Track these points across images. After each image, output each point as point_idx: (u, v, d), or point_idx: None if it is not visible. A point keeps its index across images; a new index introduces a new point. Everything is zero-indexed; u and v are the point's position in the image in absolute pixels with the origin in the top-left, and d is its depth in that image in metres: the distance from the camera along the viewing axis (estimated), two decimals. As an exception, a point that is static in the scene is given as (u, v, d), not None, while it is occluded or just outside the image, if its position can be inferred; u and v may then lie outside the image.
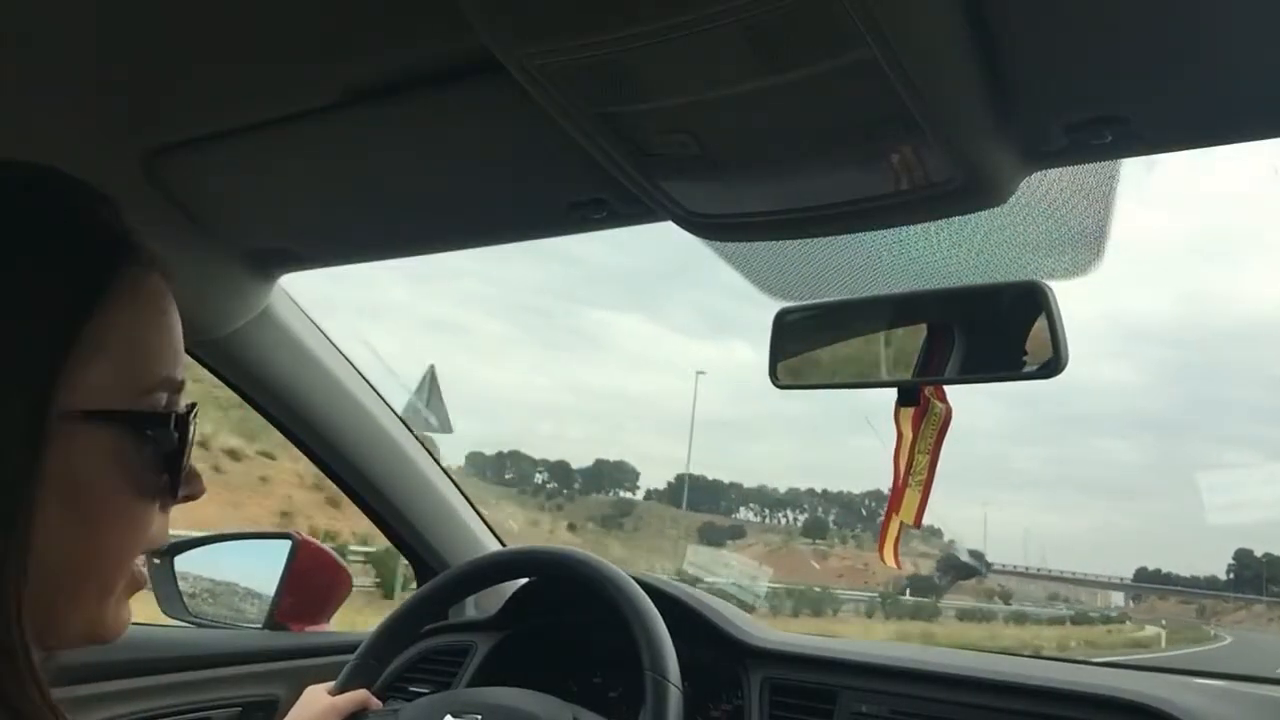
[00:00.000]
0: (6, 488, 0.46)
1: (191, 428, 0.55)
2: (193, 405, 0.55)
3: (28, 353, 0.47)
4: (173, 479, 0.53)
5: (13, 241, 0.49)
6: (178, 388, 0.54)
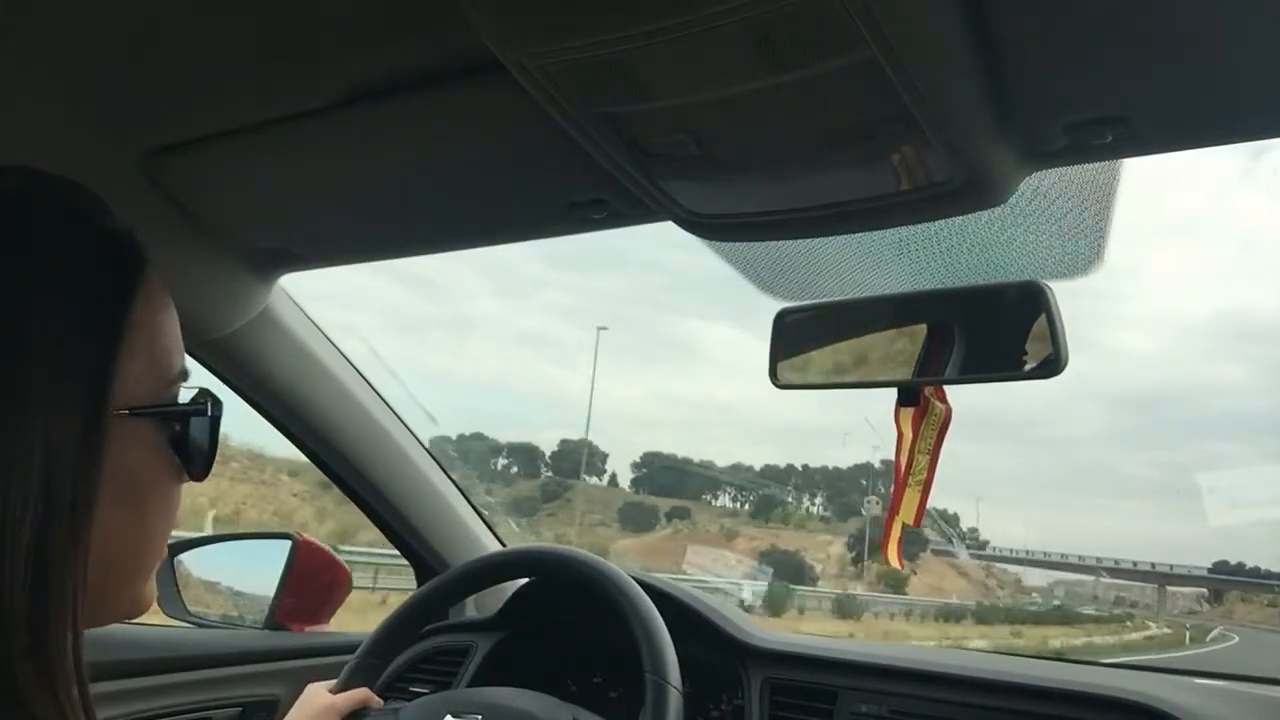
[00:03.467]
0: (70, 494, 0.47)
1: (220, 414, 0.59)
2: (208, 392, 0.59)
3: (82, 361, 0.49)
4: (205, 460, 0.58)
5: (51, 255, 0.50)
6: (186, 375, 0.58)
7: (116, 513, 0.51)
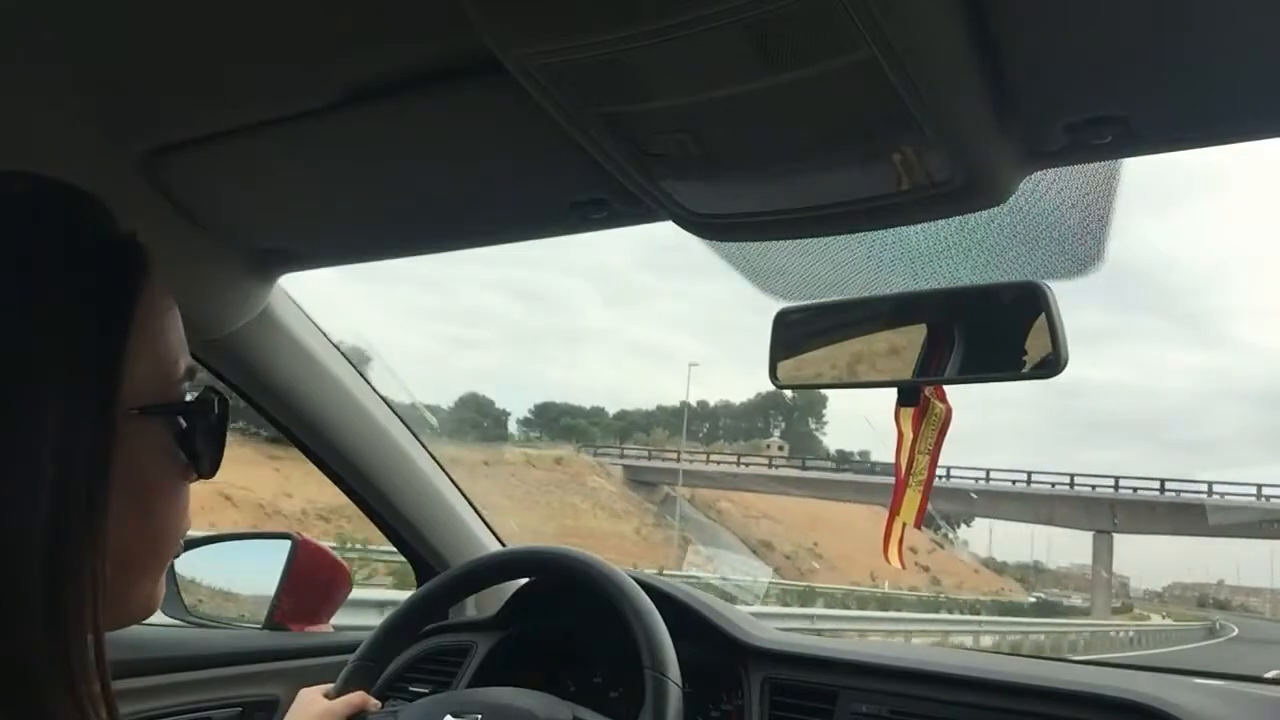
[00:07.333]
0: (83, 494, 0.48)
1: (228, 412, 0.59)
2: (214, 389, 0.59)
3: (91, 365, 0.50)
4: (213, 458, 0.58)
5: (56, 262, 0.51)
6: (193, 374, 0.58)
7: (127, 513, 0.51)
